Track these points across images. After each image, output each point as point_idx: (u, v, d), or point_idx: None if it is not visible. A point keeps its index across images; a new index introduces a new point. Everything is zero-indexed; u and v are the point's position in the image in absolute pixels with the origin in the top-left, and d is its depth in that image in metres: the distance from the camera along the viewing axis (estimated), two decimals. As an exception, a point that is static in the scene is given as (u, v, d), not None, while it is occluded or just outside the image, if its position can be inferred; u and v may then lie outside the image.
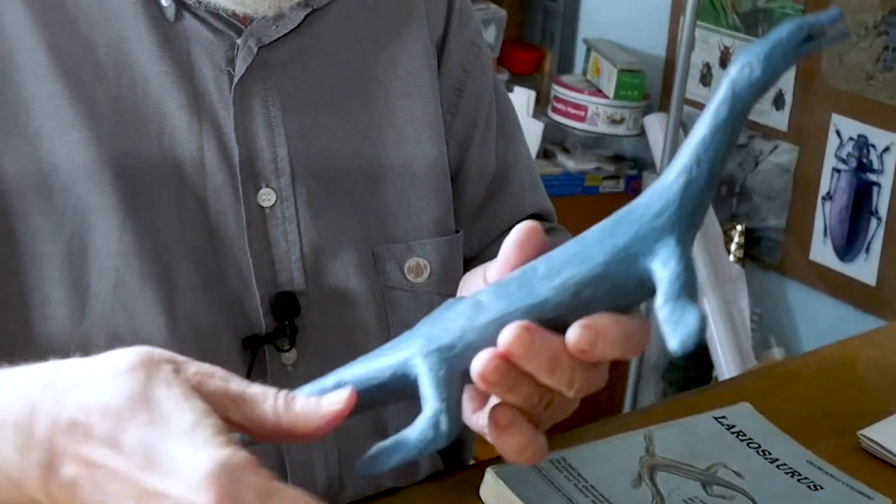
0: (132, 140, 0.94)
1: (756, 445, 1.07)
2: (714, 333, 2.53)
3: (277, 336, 0.98)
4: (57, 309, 0.92)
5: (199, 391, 0.66)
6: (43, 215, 0.92)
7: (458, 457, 1.15)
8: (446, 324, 0.73)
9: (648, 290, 0.70)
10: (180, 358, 0.69)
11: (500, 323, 0.71)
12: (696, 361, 2.58)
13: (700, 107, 2.67)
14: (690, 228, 0.70)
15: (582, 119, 2.74)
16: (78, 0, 0.94)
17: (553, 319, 0.71)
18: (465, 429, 1.14)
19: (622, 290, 0.71)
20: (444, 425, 0.70)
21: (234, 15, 0.97)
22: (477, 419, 0.83)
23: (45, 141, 0.92)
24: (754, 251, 2.66)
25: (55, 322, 0.92)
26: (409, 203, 1.05)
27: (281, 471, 0.97)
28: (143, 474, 0.64)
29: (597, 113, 2.72)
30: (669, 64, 2.67)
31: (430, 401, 0.71)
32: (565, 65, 3.03)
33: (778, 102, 2.56)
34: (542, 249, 0.76)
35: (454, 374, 0.71)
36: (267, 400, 0.69)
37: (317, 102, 1.02)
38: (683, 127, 2.67)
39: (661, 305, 0.68)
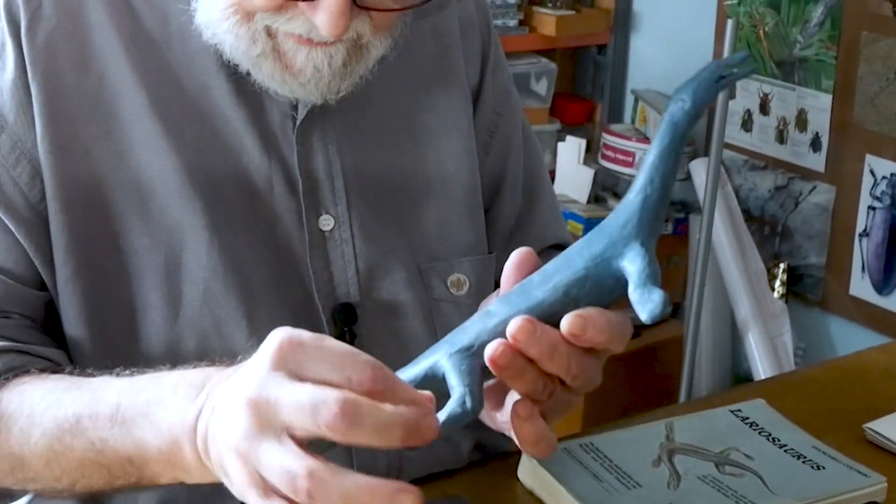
0: (214, 172, 1.09)
1: (767, 434, 1.18)
2: (759, 367, 2.63)
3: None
4: (156, 313, 1.07)
5: (285, 339, 0.80)
6: (143, 234, 1.07)
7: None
8: (464, 331, 0.88)
9: (622, 287, 0.86)
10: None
11: (507, 323, 0.86)
12: (743, 395, 2.66)
13: (741, 151, 2.79)
14: (651, 234, 0.87)
15: (630, 165, 2.85)
16: (170, 51, 1.09)
17: (549, 316, 0.86)
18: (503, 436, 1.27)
19: (602, 288, 0.87)
20: (468, 403, 0.85)
21: None
22: (496, 416, 0.97)
23: (144, 170, 1.07)
24: (797, 287, 2.74)
25: (153, 325, 1.07)
26: (449, 226, 1.19)
27: (346, 453, 1.10)
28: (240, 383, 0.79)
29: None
30: (712, 112, 2.78)
31: (456, 387, 0.86)
32: (615, 115, 3.14)
33: (815, 145, 2.65)
34: (536, 269, 0.91)
35: (474, 368, 0.87)
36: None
37: (368, 141, 1.16)
38: (727, 171, 2.78)
39: (633, 291, 0.84)
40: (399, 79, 1.19)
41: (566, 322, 0.84)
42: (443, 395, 0.87)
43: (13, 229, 1.06)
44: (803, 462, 1.13)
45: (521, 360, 0.85)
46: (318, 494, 0.74)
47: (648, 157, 0.87)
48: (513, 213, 1.28)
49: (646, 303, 0.83)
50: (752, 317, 2.64)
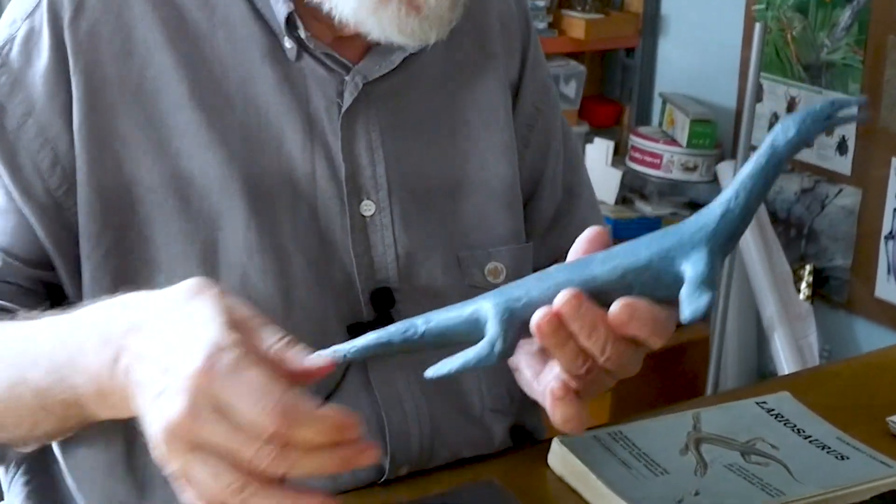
0: (256, 158, 1.11)
1: (792, 425, 1.20)
2: (785, 368, 2.65)
3: (377, 324, 1.13)
4: None
5: (231, 312, 0.81)
6: (182, 220, 1.09)
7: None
8: (516, 285, 0.91)
9: (678, 287, 0.87)
10: (228, 292, 0.84)
11: (559, 288, 0.88)
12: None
13: (769, 153, 2.81)
14: (723, 247, 0.88)
15: (658, 167, 2.88)
16: (214, 41, 1.12)
17: (600, 294, 0.88)
18: (537, 417, 1.30)
19: (658, 283, 0.88)
20: (497, 347, 0.87)
21: (344, 55, 1.14)
22: (534, 384, 0.99)
23: (183, 158, 1.09)
24: (822, 289, 2.76)
25: None
26: (487, 216, 1.22)
27: (380, 435, 1.14)
28: (165, 356, 0.80)
29: (671, 161, 2.86)
30: (739, 114, 2.80)
31: (491, 329, 0.88)
32: (643, 117, 3.16)
33: (841, 149, 2.67)
34: (606, 247, 0.93)
35: (515, 319, 0.88)
36: (271, 337, 0.82)
37: (410, 130, 1.19)
38: (753, 173, 2.80)
39: (684, 290, 0.86)
40: (439, 72, 1.22)
41: (614, 308, 0.86)
42: (480, 340, 0.89)
43: (27, 213, 1.08)
44: (828, 452, 1.16)
45: (564, 331, 0.88)
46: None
47: (741, 174, 0.88)
48: (552, 207, 1.31)
49: (692, 302, 0.85)
50: (778, 318, 2.66)
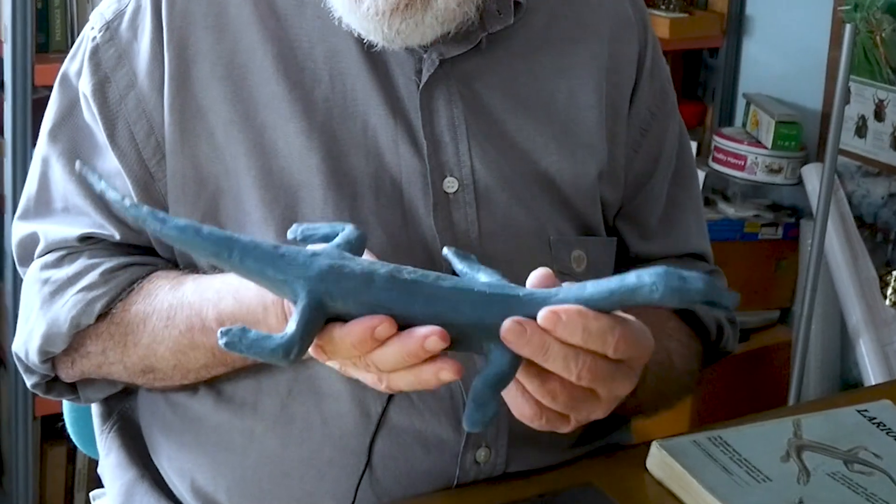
0: (340, 132, 1.14)
1: (895, 434, 1.19)
2: (870, 374, 2.61)
3: None
4: None
5: None
6: (264, 189, 1.13)
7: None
8: (338, 269, 0.88)
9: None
10: None
11: (380, 309, 0.88)
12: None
13: (854, 157, 2.77)
14: None
15: (741, 168, 2.85)
16: (303, 19, 1.16)
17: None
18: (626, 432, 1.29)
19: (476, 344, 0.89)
20: (293, 354, 0.86)
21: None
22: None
23: (268, 130, 1.14)
24: (909, 296, 2.72)
25: None
26: (574, 208, 1.22)
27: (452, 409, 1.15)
28: None
29: (755, 162, 2.83)
30: (826, 117, 2.76)
31: (292, 327, 0.86)
32: (726, 118, 3.13)
33: (928, 153, 2.64)
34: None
35: (322, 314, 0.88)
36: None
37: (494, 114, 1.19)
38: (839, 177, 2.77)
39: (479, 384, 0.87)
40: (529, 63, 1.22)
41: (539, 315, 0.87)
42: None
43: (125, 178, 1.15)
44: (932, 463, 1.14)
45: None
46: None
47: (584, 292, 0.87)
48: (655, 215, 1.30)
49: (479, 408, 0.86)
50: (864, 324, 2.62)
